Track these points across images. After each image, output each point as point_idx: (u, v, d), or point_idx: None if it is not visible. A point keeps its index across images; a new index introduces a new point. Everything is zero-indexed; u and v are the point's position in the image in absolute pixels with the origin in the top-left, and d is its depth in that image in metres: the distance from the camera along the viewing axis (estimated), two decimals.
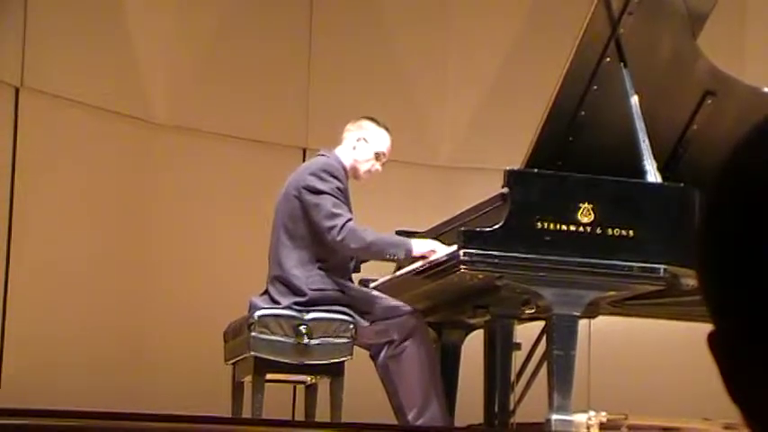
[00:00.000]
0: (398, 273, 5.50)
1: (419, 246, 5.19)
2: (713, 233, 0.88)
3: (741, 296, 0.85)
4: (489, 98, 8.22)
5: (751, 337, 0.85)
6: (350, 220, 5.20)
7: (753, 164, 0.86)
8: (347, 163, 5.43)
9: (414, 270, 5.26)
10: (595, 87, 5.29)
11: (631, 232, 4.85)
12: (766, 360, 0.84)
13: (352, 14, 8.10)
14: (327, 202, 5.22)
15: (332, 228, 5.18)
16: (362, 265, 5.54)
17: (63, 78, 6.93)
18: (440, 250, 5.07)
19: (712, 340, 0.89)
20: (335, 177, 5.30)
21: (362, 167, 5.45)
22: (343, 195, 5.29)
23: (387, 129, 5.50)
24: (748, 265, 0.84)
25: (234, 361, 5.48)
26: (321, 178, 5.28)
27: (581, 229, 4.81)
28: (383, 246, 5.21)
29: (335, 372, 5.27)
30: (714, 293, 0.88)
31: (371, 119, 5.53)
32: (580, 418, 4.97)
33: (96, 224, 7.06)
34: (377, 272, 5.70)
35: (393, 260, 5.32)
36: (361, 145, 5.44)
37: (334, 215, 5.19)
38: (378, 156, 5.46)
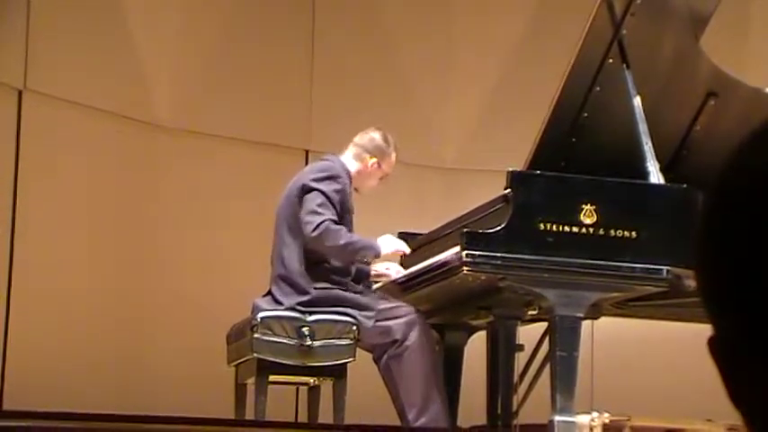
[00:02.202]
0: (401, 275, 5.51)
1: (386, 245, 5.34)
2: (715, 232, 0.88)
3: (741, 293, 0.85)
4: (492, 100, 8.22)
5: (751, 335, 0.85)
6: (330, 220, 5.23)
7: (755, 164, 0.87)
8: (352, 171, 5.47)
9: (417, 273, 5.26)
10: (598, 88, 5.29)
11: (634, 233, 4.85)
12: (766, 357, 0.85)
13: (354, 17, 8.10)
14: (315, 199, 5.28)
15: (309, 223, 5.24)
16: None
17: (66, 81, 6.93)
18: (403, 248, 5.37)
19: (712, 344, 0.90)
20: (334, 180, 5.32)
21: (368, 186, 5.57)
22: (339, 198, 5.31)
23: (395, 147, 5.57)
24: (749, 262, 0.85)
25: (237, 363, 5.48)
26: (318, 178, 5.34)
27: (584, 230, 4.81)
28: (356, 249, 5.29)
29: (338, 373, 5.27)
30: (714, 291, 0.88)
31: (383, 136, 5.55)
32: (583, 419, 4.97)
33: (99, 226, 7.06)
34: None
35: (364, 262, 5.40)
36: (374, 168, 5.50)
37: (315, 212, 5.24)
38: (383, 177, 5.55)
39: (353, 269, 5.46)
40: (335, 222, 5.25)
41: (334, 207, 5.28)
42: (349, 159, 5.51)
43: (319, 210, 5.25)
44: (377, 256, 5.33)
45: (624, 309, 5.36)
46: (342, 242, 5.23)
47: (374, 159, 5.51)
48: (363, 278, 5.51)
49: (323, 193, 5.28)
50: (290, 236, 5.36)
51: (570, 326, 4.82)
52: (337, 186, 5.32)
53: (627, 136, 5.16)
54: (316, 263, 5.31)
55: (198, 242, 7.41)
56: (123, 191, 7.21)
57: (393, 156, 5.56)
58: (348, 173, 5.44)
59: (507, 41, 8.24)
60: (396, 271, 5.52)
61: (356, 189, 5.53)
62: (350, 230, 5.37)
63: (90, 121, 7.03)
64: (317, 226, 5.21)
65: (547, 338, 5.05)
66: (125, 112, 7.22)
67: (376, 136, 5.55)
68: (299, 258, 5.31)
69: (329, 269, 5.32)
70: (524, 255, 4.76)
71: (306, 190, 5.32)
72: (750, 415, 0.87)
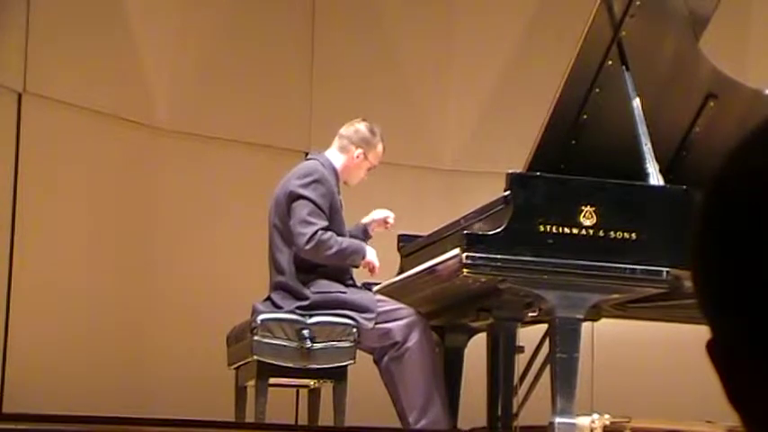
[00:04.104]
0: (401, 276, 5.50)
1: (370, 253, 5.35)
2: (713, 233, 0.88)
3: (741, 296, 0.85)
4: (492, 102, 8.22)
5: (751, 338, 0.85)
6: (322, 229, 5.23)
7: (755, 164, 0.86)
8: (338, 166, 5.46)
9: (416, 273, 5.26)
10: (598, 90, 5.29)
11: (634, 235, 4.85)
12: (765, 360, 0.84)
13: (354, 18, 8.10)
14: (304, 209, 5.26)
15: (302, 235, 5.23)
16: (364, 269, 5.50)
17: (65, 83, 6.93)
18: (374, 265, 5.34)
19: (711, 347, 0.89)
20: (319, 183, 5.32)
21: (356, 178, 5.55)
22: (325, 201, 5.30)
23: (381, 137, 5.54)
24: (748, 264, 0.84)
25: (237, 365, 5.48)
26: (303, 184, 5.32)
27: (583, 231, 4.81)
28: (346, 254, 5.30)
29: (338, 376, 5.27)
30: (713, 294, 0.88)
31: (369, 128, 5.54)
32: (583, 421, 4.96)
33: (98, 228, 7.06)
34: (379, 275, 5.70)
35: (354, 266, 5.41)
36: (360, 159, 5.48)
37: (308, 223, 5.23)
38: (370, 168, 5.53)
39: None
40: (327, 229, 5.26)
41: (324, 212, 5.28)
42: (334, 153, 5.50)
43: (310, 219, 5.24)
44: (363, 258, 5.33)
45: (624, 310, 5.35)
46: (334, 250, 5.24)
47: (360, 150, 5.49)
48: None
49: (311, 200, 5.27)
50: (282, 242, 5.36)
51: (570, 327, 4.81)
52: (323, 190, 5.32)
53: (627, 137, 5.16)
54: (312, 267, 5.30)
55: (198, 244, 7.41)
56: (123, 193, 7.21)
57: (379, 147, 5.53)
58: (334, 170, 5.43)
59: (507, 43, 8.24)
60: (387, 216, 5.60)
61: (345, 182, 5.51)
62: (341, 228, 5.37)
63: (90, 124, 7.03)
64: (310, 238, 5.21)
65: (547, 340, 5.04)
66: (124, 114, 7.22)
67: (361, 127, 5.54)
68: (294, 264, 5.31)
69: (326, 272, 5.32)
70: (524, 257, 4.75)
71: (293, 197, 5.31)
72: (749, 418, 0.87)
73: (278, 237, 5.38)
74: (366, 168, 5.53)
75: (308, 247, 5.22)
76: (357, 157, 5.48)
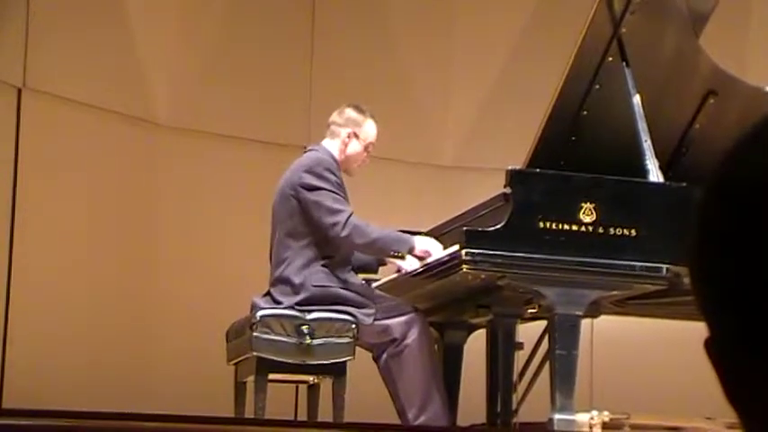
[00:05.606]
0: (401, 273, 5.50)
1: (421, 243, 5.20)
2: (713, 230, 0.87)
3: (740, 294, 0.85)
4: (492, 98, 8.22)
5: (750, 337, 0.85)
6: (352, 214, 5.20)
7: (756, 159, 0.86)
8: (337, 156, 5.43)
9: (415, 270, 5.25)
10: (598, 87, 5.29)
11: (633, 232, 4.85)
12: (763, 359, 0.84)
13: (354, 14, 8.10)
14: (327, 199, 5.22)
15: (335, 224, 5.17)
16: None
17: (65, 79, 6.92)
18: (437, 252, 5.09)
19: (709, 345, 0.89)
20: (330, 171, 5.29)
21: (354, 163, 5.46)
22: (340, 189, 5.28)
23: (372, 116, 5.49)
24: (749, 262, 0.84)
25: (236, 361, 5.48)
26: (316, 174, 5.27)
27: (583, 228, 4.81)
28: (387, 242, 5.21)
29: (338, 372, 5.26)
30: (711, 292, 0.87)
31: (356, 107, 5.51)
32: (583, 417, 4.97)
33: (98, 225, 7.06)
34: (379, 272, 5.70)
35: (396, 256, 5.27)
36: (353, 141, 5.43)
37: (336, 211, 5.18)
38: (367, 147, 5.47)
39: (374, 264, 5.46)
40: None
41: (345, 198, 5.27)
42: (328, 142, 5.47)
43: (336, 206, 5.20)
44: (411, 250, 5.19)
45: (624, 307, 5.36)
46: (374, 236, 5.18)
47: (348, 130, 5.43)
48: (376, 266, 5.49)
49: (329, 190, 5.24)
50: (287, 236, 5.33)
51: (570, 324, 4.82)
52: (335, 177, 5.30)
53: (626, 134, 5.16)
54: (316, 261, 5.29)
55: (197, 239, 7.41)
56: (123, 189, 7.21)
57: (368, 123, 5.45)
58: (333, 159, 5.40)
59: (507, 39, 8.24)
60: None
61: (345, 170, 5.46)
62: None
63: (89, 120, 7.03)
64: (345, 225, 5.15)
65: (546, 337, 5.04)
66: (124, 110, 7.22)
67: (347, 108, 5.51)
68: (298, 258, 5.29)
69: (329, 267, 5.30)
70: (524, 253, 4.75)
71: (308, 188, 5.27)
72: (747, 415, 0.87)
73: (281, 230, 5.35)
74: (362, 149, 5.45)
75: (344, 233, 5.15)
76: (348, 137, 5.43)
